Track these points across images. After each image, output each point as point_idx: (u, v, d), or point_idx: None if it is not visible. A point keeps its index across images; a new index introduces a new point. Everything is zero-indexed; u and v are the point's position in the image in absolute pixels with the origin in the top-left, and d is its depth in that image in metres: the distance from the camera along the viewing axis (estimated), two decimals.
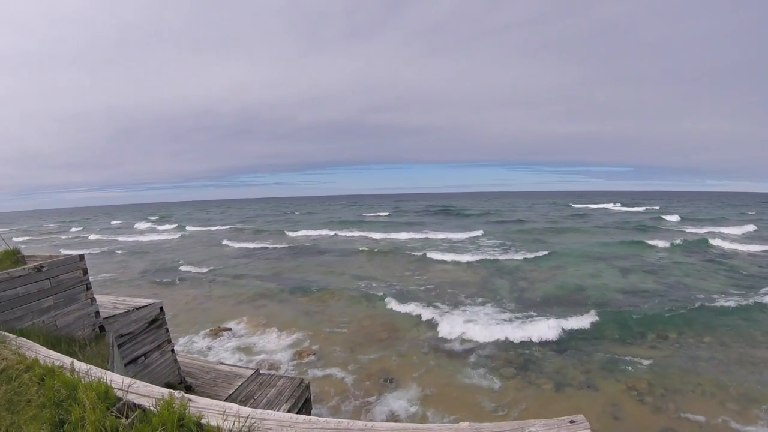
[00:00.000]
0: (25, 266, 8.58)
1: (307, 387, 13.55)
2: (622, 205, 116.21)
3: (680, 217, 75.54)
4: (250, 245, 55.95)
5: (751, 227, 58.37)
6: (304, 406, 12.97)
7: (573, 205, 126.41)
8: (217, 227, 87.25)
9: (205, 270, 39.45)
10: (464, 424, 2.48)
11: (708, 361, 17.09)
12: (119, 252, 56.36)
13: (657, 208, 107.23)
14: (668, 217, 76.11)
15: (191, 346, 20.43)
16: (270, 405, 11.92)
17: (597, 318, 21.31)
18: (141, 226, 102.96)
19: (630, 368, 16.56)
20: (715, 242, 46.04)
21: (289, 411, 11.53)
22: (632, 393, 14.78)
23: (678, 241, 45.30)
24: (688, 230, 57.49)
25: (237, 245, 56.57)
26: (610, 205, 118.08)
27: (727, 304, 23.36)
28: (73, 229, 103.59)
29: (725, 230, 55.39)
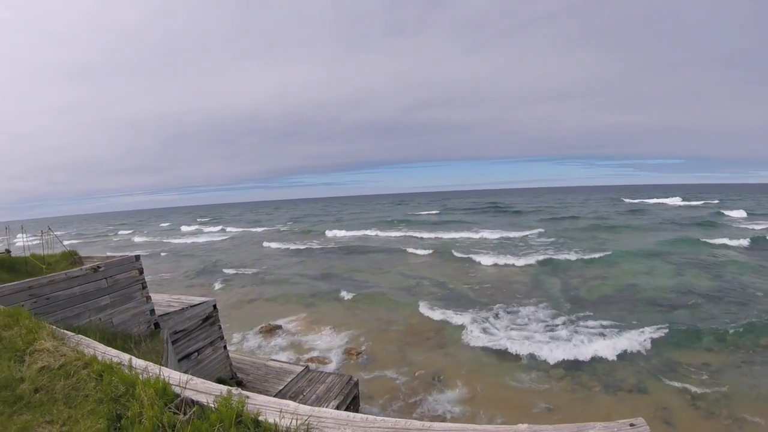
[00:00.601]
0: (82, 267, 8.94)
1: (356, 384, 13.54)
2: (682, 200, 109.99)
3: (746, 212, 70.54)
4: (299, 246, 56.56)
5: None
6: (352, 402, 12.98)
7: (628, 200, 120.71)
8: (266, 228, 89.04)
9: (255, 270, 40.32)
10: (523, 426, 2.37)
11: (764, 365, 16.01)
12: (163, 254, 58.53)
13: (716, 202, 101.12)
14: (729, 212, 71.69)
15: (244, 344, 21.00)
16: (319, 401, 11.97)
17: (651, 320, 20.29)
18: (188, 228, 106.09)
19: (683, 371, 15.71)
20: None
21: (337, 407, 11.51)
22: (685, 397, 14.05)
23: (740, 239, 42.48)
24: (750, 226, 53.63)
25: (285, 246, 57.27)
26: (667, 200, 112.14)
27: None
28: (122, 232, 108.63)
29: None
